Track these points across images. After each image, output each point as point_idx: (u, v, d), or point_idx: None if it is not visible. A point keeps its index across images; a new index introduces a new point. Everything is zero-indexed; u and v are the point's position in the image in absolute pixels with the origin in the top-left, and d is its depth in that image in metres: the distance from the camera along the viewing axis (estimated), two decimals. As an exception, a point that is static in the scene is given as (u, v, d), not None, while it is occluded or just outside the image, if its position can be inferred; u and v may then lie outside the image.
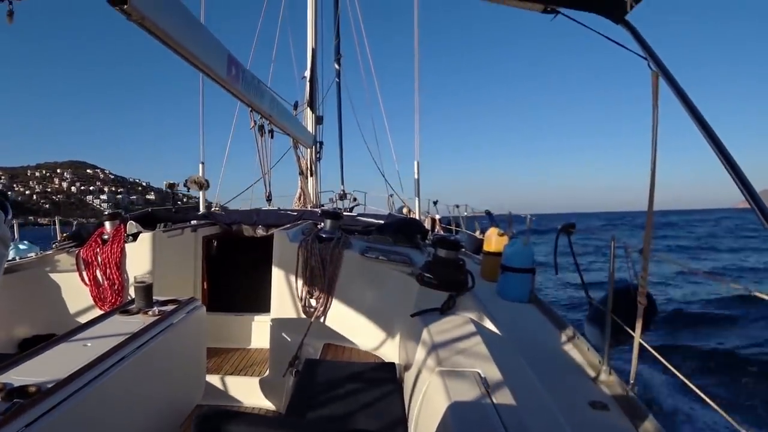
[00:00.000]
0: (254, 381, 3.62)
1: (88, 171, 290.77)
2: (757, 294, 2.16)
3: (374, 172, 11.22)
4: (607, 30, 1.93)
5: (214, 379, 3.65)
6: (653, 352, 3.16)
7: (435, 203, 11.65)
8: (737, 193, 1.56)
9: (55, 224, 5.69)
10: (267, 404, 3.58)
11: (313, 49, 9.37)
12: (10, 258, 3.93)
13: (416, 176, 9.31)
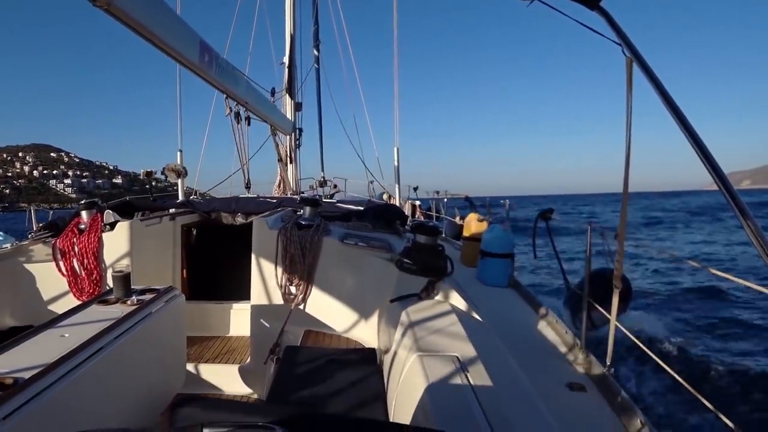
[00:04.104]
0: (235, 368, 3.63)
1: (52, 154, 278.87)
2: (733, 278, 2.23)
3: (354, 159, 11.20)
4: (582, 16, 1.95)
5: (194, 368, 3.65)
6: (628, 334, 3.25)
7: (415, 189, 11.71)
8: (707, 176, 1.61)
9: (30, 213, 5.58)
10: (248, 391, 3.60)
11: (291, 35, 9.29)
12: None
13: (396, 162, 9.32)
